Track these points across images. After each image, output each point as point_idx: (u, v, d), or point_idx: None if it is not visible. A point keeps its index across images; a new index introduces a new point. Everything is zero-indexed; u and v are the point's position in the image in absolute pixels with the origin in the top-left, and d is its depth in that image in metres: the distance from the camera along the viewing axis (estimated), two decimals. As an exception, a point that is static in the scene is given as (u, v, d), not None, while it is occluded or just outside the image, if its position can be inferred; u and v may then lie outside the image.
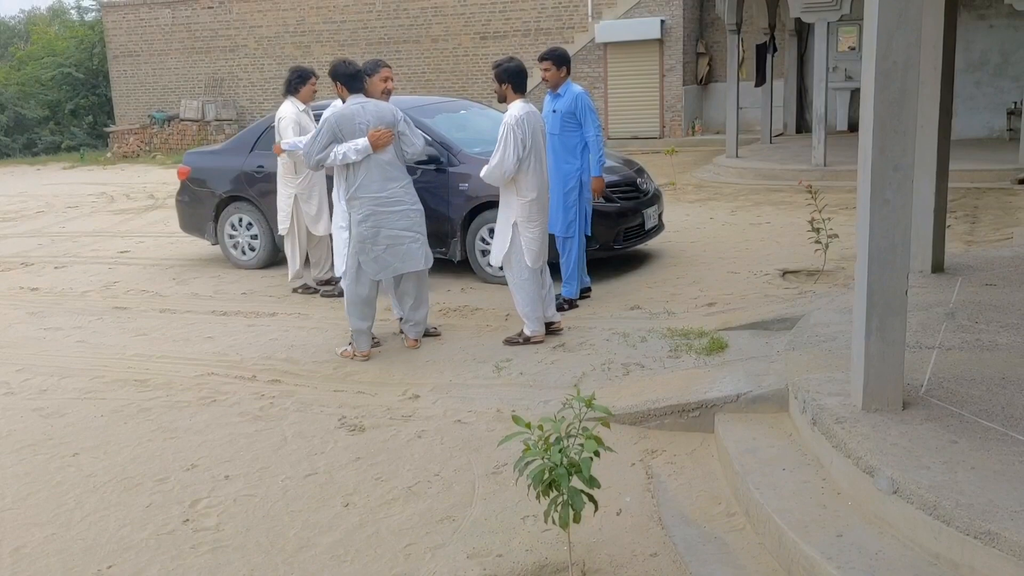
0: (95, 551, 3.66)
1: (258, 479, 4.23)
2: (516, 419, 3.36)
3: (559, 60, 6.50)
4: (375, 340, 6.07)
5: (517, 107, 5.73)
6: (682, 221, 9.92)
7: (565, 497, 3.20)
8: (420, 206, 5.94)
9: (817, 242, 7.06)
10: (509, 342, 5.94)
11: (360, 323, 5.84)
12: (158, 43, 23.86)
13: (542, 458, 3.24)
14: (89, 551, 3.67)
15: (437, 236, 7.33)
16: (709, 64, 18.97)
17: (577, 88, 6.57)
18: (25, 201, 15.16)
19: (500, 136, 5.63)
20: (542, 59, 6.52)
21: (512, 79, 5.76)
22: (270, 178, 8.20)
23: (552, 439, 3.28)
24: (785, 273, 7.39)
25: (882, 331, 3.68)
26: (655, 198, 8.05)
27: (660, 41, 18.02)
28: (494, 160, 5.65)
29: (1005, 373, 4.09)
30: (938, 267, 6.03)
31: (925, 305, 5.22)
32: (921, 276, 5.86)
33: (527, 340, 5.90)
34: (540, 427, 3.35)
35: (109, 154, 22.92)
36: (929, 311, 5.13)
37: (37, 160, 23.75)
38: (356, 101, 5.82)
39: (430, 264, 5.98)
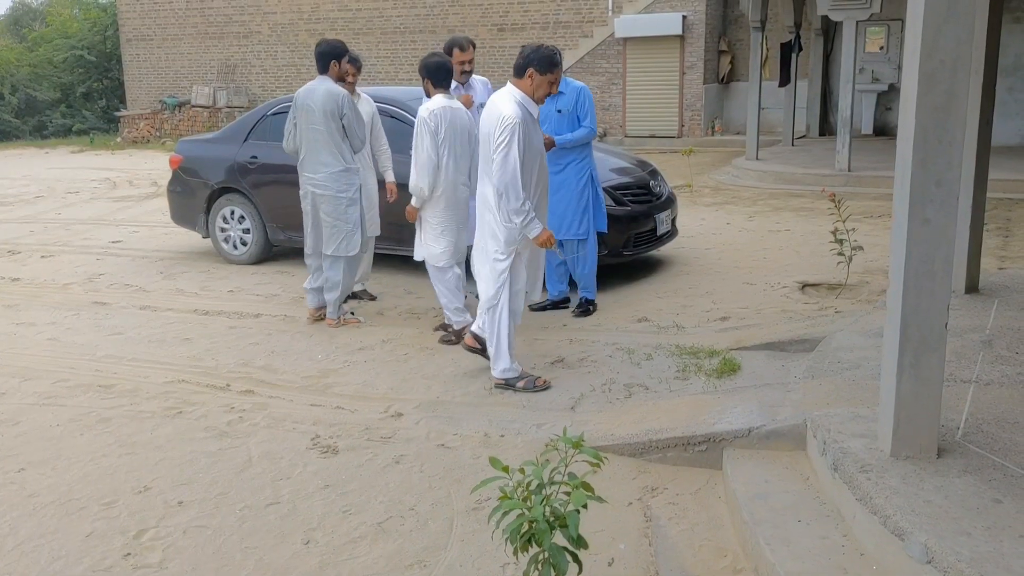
0: (20, 589, 3.27)
1: (214, 507, 3.82)
2: (493, 461, 2.92)
3: None
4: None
5: (433, 101, 5.46)
6: (697, 226, 9.45)
7: (547, 555, 2.77)
8: (350, 195, 6.00)
9: (840, 254, 6.56)
10: (445, 341, 5.75)
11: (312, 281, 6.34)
12: (172, 27, 23.50)
13: (522, 509, 2.81)
14: (13, 589, 3.27)
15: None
16: (731, 62, 18.41)
17: (578, 84, 6.18)
18: (27, 185, 14.82)
19: (414, 134, 5.43)
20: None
21: (430, 74, 5.49)
22: (264, 169, 7.85)
23: (534, 486, 2.85)
24: (805, 286, 6.92)
25: (917, 368, 3.23)
26: (669, 202, 7.58)
27: (681, 37, 17.47)
28: (413, 167, 5.49)
29: (1053, 417, 3.63)
30: (972, 287, 5.56)
31: (959, 331, 4.75)
32: (954, 297, 5.38)
33: (458, 335, 5.63)
34: (521, 471, 2.92)
35: (119, 139, 22.59)
36: (963, 337, 4.66)
37: (47, 143, 23.42)
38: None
39: (349, 253, 6.06)
